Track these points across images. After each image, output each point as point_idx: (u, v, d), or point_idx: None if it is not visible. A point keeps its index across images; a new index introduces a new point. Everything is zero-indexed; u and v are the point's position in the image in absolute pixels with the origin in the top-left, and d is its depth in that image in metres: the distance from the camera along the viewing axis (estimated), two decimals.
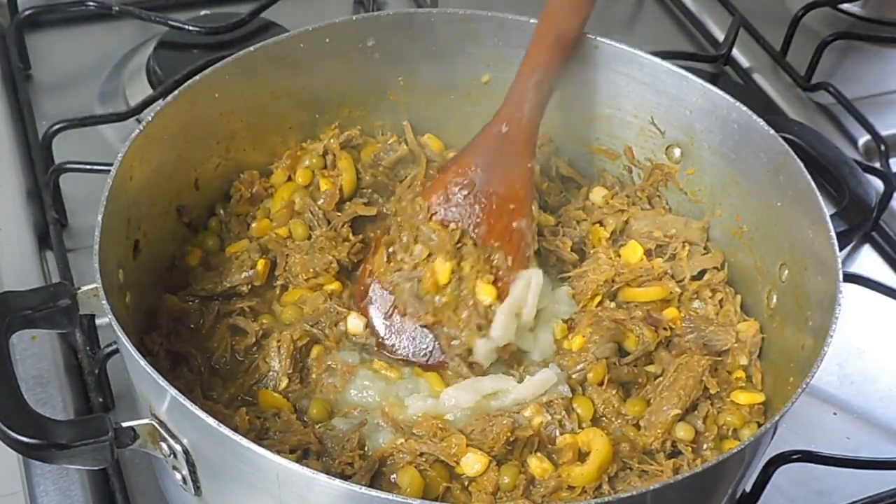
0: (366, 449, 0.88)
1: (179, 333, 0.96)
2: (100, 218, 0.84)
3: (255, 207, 1.05)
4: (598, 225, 1.07)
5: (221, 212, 1.04)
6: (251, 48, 1.01)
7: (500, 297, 0.96)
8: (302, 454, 0.87)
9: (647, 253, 1.04)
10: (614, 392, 0.94)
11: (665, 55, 1.09)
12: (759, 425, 0.92)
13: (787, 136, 1.00)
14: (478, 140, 1.01)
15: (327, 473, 0.72)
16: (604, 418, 0.94)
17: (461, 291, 0.96)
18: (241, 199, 1.04)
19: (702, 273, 1.04)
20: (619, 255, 1.04)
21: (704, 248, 1.06)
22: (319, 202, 1.04)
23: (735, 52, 1.47)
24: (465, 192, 0.98)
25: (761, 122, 0.99)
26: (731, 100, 1.01)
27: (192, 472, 0.79)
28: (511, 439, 0.88)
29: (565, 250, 1.04)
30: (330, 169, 1.06)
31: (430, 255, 0.97)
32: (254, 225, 1.03)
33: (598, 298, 1.01)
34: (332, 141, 1.07)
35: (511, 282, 0.97)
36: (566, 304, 1.01)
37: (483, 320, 0.95)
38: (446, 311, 0.96)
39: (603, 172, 1.12)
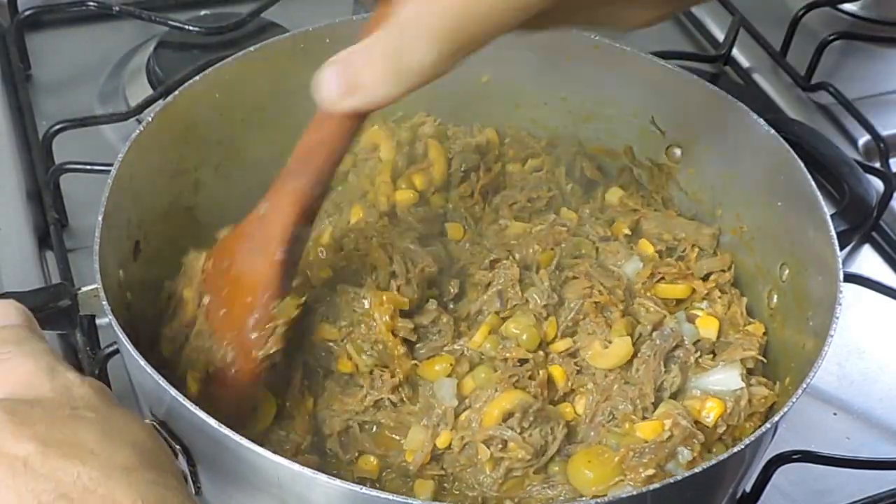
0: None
1: None
2: (100, 218, 0.84)
3: None
4: (617, 222, 1.06)
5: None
6: (251, 48, 1.01)
7: None
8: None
9: (658, 254, 1.03)
10: None
11: (665, 55, 1.09)
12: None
13: (787, 135, 1.00)
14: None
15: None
16: None
17: None
18: None
19: (707, 275, 1.03)
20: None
21: (713, 252, 1.05)
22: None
23: (735, 52, 1.47)
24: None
25: (761, 121, 0.99)
26: (732, 99, 1.01)
27: (193, 472, 0.79)
28: None
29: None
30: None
31: None
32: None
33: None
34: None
35: None
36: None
37: None
38: None
39: (622, 173, 1.11)
